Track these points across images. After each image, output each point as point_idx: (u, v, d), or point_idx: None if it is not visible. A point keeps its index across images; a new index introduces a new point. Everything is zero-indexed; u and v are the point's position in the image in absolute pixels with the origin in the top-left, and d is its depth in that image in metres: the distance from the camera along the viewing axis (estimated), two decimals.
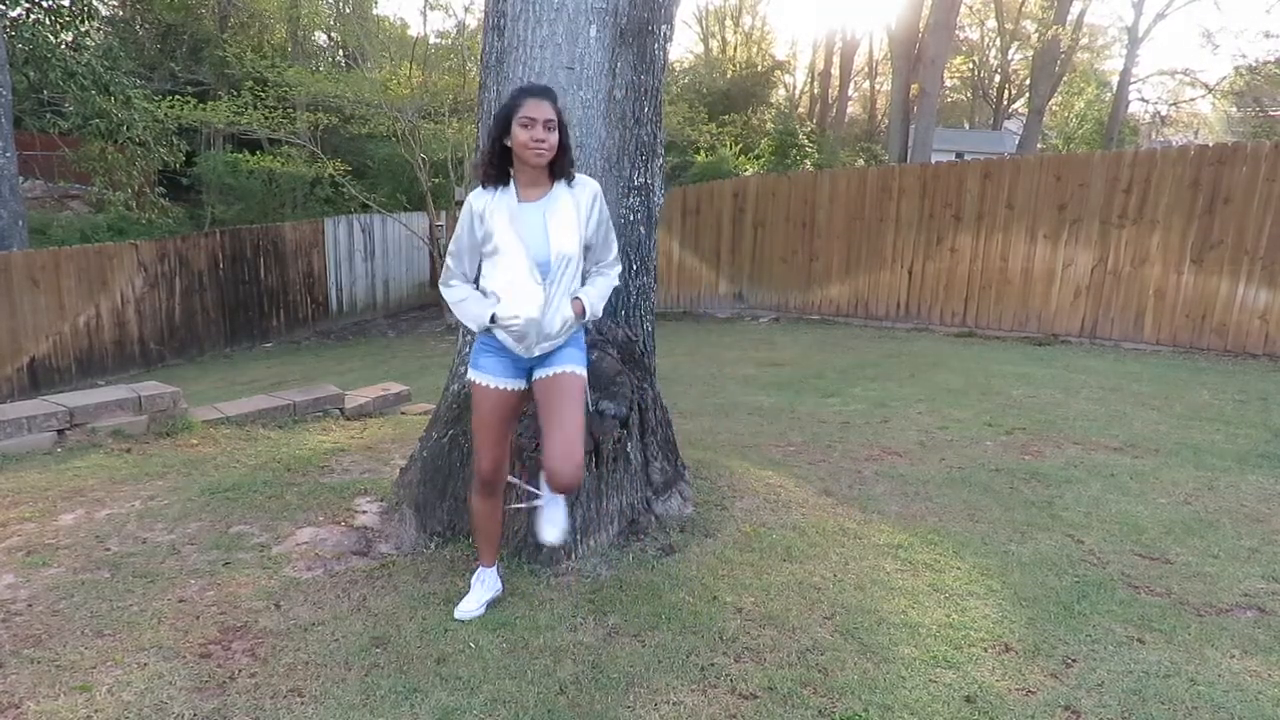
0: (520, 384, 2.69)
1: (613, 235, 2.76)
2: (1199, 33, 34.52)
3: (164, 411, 4.88)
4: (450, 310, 2.89)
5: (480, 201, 2.59)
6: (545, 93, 2.53)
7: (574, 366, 2.66)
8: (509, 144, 2.52)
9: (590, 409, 2.94)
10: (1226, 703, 2.37)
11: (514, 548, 3.16)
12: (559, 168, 2.59)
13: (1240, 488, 4.20)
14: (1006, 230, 9.55)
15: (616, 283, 2.82)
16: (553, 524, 2.78)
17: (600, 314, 2.74)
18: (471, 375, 2.70)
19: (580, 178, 2.65)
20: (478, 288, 2.69)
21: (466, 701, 2.34)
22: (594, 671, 2.49)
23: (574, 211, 2.59)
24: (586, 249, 2.67)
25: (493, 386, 2.66)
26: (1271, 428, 5.39)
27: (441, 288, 2.75)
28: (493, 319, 2.57)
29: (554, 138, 2.51)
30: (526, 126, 2.48)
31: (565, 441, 2.55)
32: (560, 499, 2.79)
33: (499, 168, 2.58)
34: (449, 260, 2.71)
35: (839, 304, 11.02)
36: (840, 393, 6.53)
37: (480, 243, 2.60)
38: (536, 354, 2.61)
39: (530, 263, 2.53)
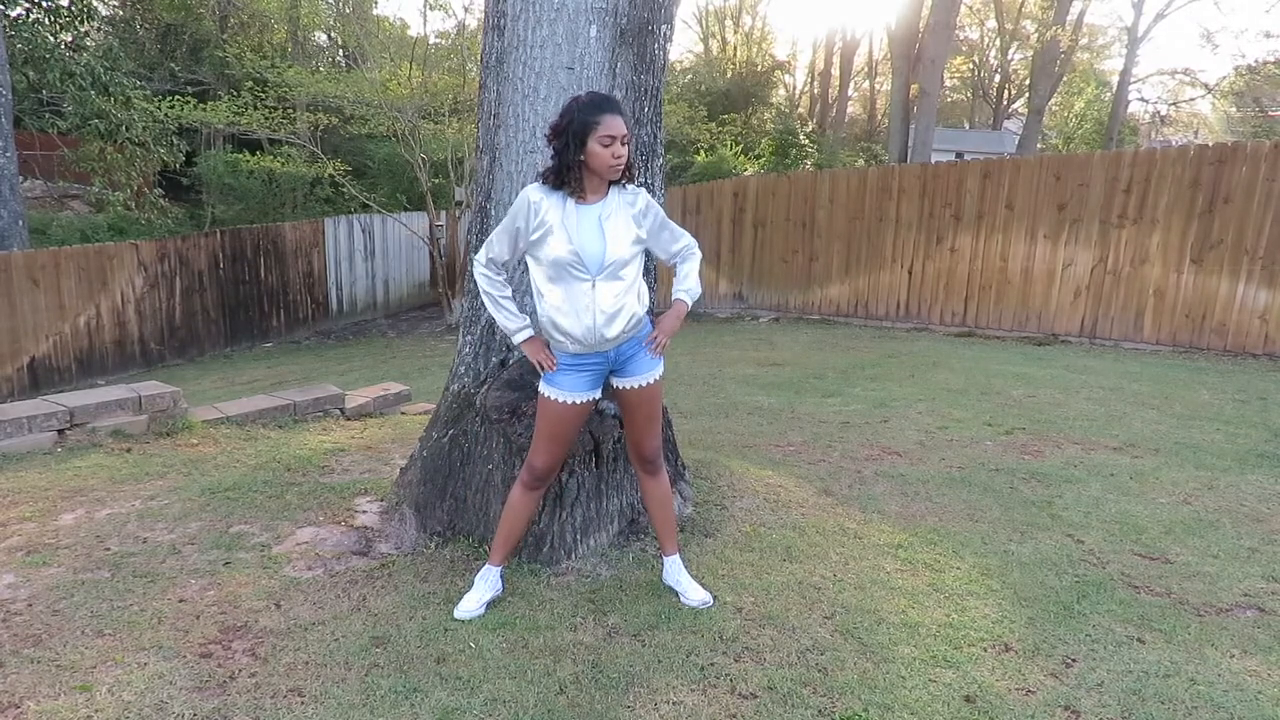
0: (595, 394, 2.70)
1: (674, 226, 2.74)
2: (1199, 33, 34.59)
3: (164, 411, 4.88)
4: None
5: (538, 195, 2.54)
6: (618, 107, 2.51)
7: (654, 375, 2.74)
8: (582, 158, 2.48)
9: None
10: (1226, 702, 2.37)
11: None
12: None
13: (1240, 488, 4.20)
14: (1006, 230, 9.55)
15: (699, 255, 2.80)
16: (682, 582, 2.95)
17: (700, 289, 2.80)
18: (546, 391, 2.66)
19: (630, 186, 2.63)
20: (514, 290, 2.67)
21: (466, 701, 2.34)
22: (594, 671, 2.49)
23: (628, 216, 2.58)
24: (648, 251, 2.71)
25: (567, 402, 2.65)
26: (1271, 427, 5.39)
27: (476, 268, 2.68)
28: (556, 328, 2.55)
29: (626, 150, 2.50)
30: (608, 145, 2.46)
31: (653, 437, 2.84)
32: (678, 560, 2.97)
33: (566, 179, 2.52)
34: (492, 237, 2.63)
35: (839, 304, 11.03)
36: (840, 393, 6.53)
37: (530, 231, 2.54)
38: (608, 350, 2.62)
39: (583, 265, 2.51)
